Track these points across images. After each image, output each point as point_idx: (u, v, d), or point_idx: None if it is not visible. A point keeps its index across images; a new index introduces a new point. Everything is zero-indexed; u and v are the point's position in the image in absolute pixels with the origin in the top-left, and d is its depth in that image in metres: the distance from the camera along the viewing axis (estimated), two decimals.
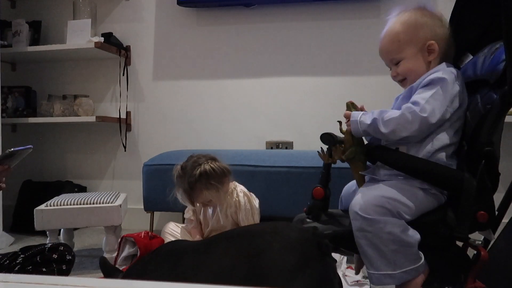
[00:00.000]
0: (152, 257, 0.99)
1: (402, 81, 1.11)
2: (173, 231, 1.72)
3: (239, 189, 1.65)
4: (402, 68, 1.08)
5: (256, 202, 1.64)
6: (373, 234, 0.94)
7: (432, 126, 0.97)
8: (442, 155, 1.00)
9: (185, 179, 1.52)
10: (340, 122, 1.10)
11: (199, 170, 1.51)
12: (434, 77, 1.00)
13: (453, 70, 1.03)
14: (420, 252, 0.95)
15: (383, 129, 0.98)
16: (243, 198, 1.61)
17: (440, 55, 1.07)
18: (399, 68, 1.09)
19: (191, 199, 1.53)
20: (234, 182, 1.67)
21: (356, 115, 1.04)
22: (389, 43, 1.09)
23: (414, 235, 0.95)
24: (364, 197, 0.97)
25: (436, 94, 0.97)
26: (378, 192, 0.97)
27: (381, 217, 0.93)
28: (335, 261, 1.11)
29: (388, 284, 0.94)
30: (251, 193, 1.67)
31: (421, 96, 0.98)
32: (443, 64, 1.06)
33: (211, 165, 1.53)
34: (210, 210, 1.68)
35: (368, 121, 1.01)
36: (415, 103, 0.98)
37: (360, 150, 1.05)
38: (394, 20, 1.09)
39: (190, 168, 1.53)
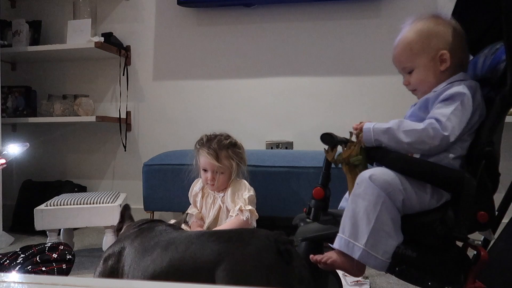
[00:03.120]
0: (139, 226, 1.07)
1: (414, 91, 1.12)
2: None
3: (237, 180, 1.70)
4: (414, 79, 1.09)
5: (246, 188, 1.66)
6: (369, 204, 0.94)
7: (451, 144, 0.97)
8: (456, 163, 1.00)
9: (214, 141, 1.64)
10: (351, 133, 1.09)
11: (230, 139, 1.68)
12: (454, 92, 0.99)
13: (472, 83, 1.02)
14: (391, 255, 0.95)
15: (403, 138, 0.98)
16: (234, 183, 1.67)
17: (453, 65, 1.05)
18: (411, 78, 1.09)
19: (216, 157, 1.61)
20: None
21: (369, 124, 1.04)
22: (401, 52, 1.10)
23: (399, 235, 0.96)
24: (381, 170, 0.98)
25: (456, 110, 0.97)
26: (395, 174, 0.97)
27: (384, 194, 0.94)
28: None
29: (348, 252, 0.95)
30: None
31: (442, 113, 0.97)
32: (461, 75, 1.05)
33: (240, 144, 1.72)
34: (209, 200, 1.70)
35: (384, 128, 1.00)
36: (436, 119, 0.97)
37: (364, 164, 1.05)
38: (408, 29, 1.10)
39: (220, 135, 1.68)
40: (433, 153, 0.99)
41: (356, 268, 0.98)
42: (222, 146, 1.63)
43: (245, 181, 1.69)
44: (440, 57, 1.05)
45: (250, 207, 1.60)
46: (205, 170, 1.65)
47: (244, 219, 1.57)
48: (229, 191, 1.65)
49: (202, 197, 1.72)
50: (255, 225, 1.64)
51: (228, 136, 1.69)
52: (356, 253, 0.94)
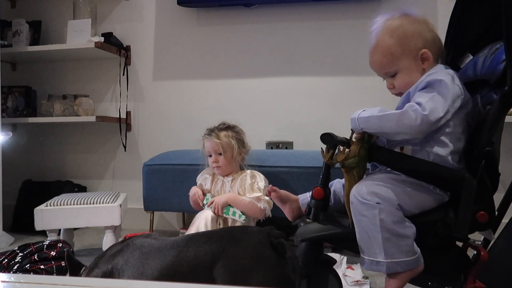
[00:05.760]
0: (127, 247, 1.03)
1: (399, 94, 1.11)
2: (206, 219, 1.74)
3: (250, 170, 1.79)
4: (399, 82, 1.08)
5: (261, 177, 1.76)
6: (368, 220, 0.95)
7: (433, 125, 0.96)
8: (449, 160, 0.99)
9: (215, 128, 1.81)
10: (352, 131, 1.09)
11: (228, 124, 1.83)
12: (431, 79, 1.00)
13: (450, 71, 1.03)
14: (416, 247, 0.95)
15: (384, 123, 0.98)
16: (249, 171, 1.77)
17: (433, 59, 1.07)
18: (396, 81, 1.09)
19: (217, 137, 1.75)
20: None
21: (356, 112, 1.04)
22: (381, 57, 1.08)
23: (410, 227, 0.95)
24: (365, 184, 0.98)
25: (435, 96, 0.97)
26: (379, 181, 0.98)
27: (376, 204, 0.94)
28: (328, 257, 1.10)
29: (377, 271, 0.95)
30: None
31: (422, 97, 0.97)
32: (439, 66, 1.06)
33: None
34: (219, 184, 1.77)
35: (365, 116, 1.00)
36: (417, 103, 0.97)
37: (362, 165, 1.04)
38: (381, 32, 1.08)
39: (220, 123, 1.85)
40: (416, 136, 0.98)
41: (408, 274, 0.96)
42: (221, 129, 1.79)
43: (260, 175, 1.77)
44: (421, 56, 1.06)
45: (268, 198, 1.68)
46: (209, 156, 1.77)
47: (262, 208, 1.66)
48: (248, 177, 1.73)
49: (212, 181, 1.80)
50: (271, 215, 1.71)
51: (226, 123, 1.83)
52: (383, 268, 0.94)
